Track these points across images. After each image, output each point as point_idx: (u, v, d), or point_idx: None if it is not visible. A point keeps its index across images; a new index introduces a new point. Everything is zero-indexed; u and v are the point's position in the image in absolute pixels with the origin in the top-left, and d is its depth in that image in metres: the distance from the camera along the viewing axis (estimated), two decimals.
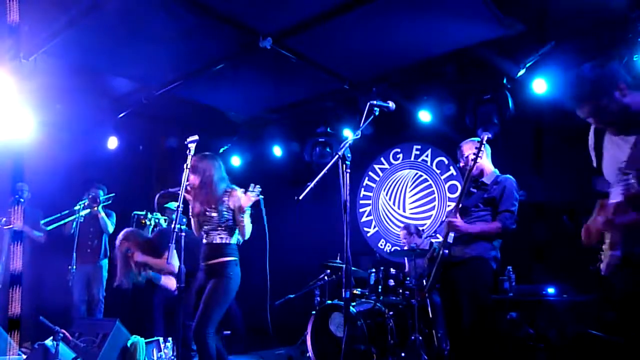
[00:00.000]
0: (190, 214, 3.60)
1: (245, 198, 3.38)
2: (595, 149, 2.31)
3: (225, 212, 3.48)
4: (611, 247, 2.11)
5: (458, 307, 3.49)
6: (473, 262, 3.47)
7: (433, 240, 3.89)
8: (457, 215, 3.43)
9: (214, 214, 3.47)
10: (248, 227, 3.50)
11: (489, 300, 3.63)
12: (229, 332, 5.57)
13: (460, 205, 3.47)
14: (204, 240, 3.54)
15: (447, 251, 3.47)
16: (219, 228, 3.49)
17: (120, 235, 4.32)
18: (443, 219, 6.22)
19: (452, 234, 3.49)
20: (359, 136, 2.76)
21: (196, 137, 3.29)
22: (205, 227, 3.52)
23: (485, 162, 3.64)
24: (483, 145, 3.45)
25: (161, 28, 4.49)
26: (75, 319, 5.06)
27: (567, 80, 2.23)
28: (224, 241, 3.49)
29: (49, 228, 5.50)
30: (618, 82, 2.08)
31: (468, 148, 3.64)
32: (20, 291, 5.32)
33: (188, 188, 3.48)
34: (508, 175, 3.58)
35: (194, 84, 5.70)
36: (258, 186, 3.43)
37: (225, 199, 3.50)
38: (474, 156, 3.42)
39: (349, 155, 2.60)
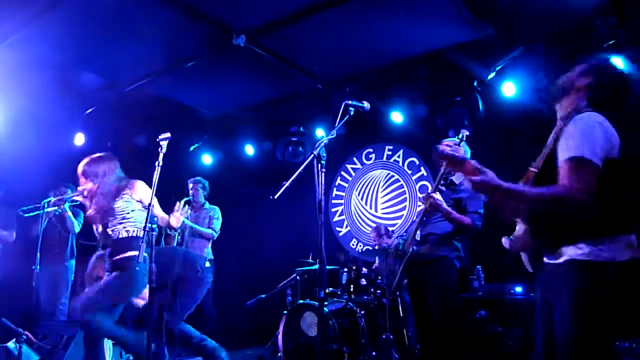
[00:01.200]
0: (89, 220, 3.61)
1: (174, 219, 3.56)
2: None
3: (129, 202, 3.50)
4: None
5: (425, 306, 3.55)
6: (439, 261, 3.55)
7: (401, 241, 3.94)
8: (437, 192, 3.49)
9: (117, 205, 3.47)
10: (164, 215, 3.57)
11: (457, 299, 3.70)
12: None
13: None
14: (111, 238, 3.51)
15: (415, 247, 3.51)
16: (124, 220, 3.47)
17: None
18: (414, 219, 6.30)
19: (418, 232, 3.54)
20: (334, 136, 2.76)
21: (168, 135, 3.23)
22: (110, 222, 3.49)
23: None
24: (462, 142, 3.50)
25: (133, 23, 4.39)
26: (40, 321, 4.91)
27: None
28: (129, 234, 3.47)
29: (27, 215, 5.29)
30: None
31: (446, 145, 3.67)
32: None
33: (85, 193, 3.56)
34: None
35: (165, 81, 5.59)
36: (186, 206, 3.55)
37: (126, 191, 3.52)
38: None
39: (324, 154, 2.60)
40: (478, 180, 1.90)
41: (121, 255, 3.42)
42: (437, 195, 3.47)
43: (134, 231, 3.48)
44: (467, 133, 3.55)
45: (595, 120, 1.94)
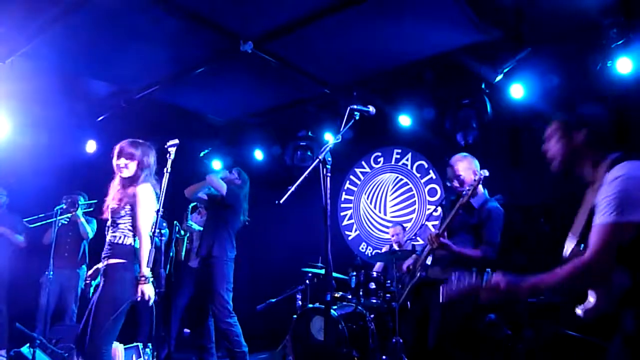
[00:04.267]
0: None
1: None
2: None
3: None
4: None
5: (425, 328, 3.49)
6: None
7: (414, 243, 3.92)
8: (445, 233, 3.39)
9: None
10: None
11: (465, 318, 3.63)
12: (189, 330, 5.54)
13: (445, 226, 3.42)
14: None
15: (424, 273, 3.45)
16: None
17: None
18: (423, 222, 6.28)
19: (430, 257, 3.46)
20: (339, 140, 2.77)
21: (176, 141, 3.26)
22: None
23: (479, 187, 3.55)
24: (481, 180, 3.37)
25: (141, 31, 4.47)
26: (53, 326, 4.97)
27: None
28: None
29: (32, 225, 5.36)
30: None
31: (463, 168, 3.56)
32: None
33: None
34: (496, 204, 3.53)
35: (174, 88, 5.67)
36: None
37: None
38: (470, 188, 3.34)
39: (330, 159, 2.62)
40: (502, 297, 1.86)
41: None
42: (444, 239, 3.36)
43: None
44: (487, 174, 3.39)
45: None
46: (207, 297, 4.50)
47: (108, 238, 3.22)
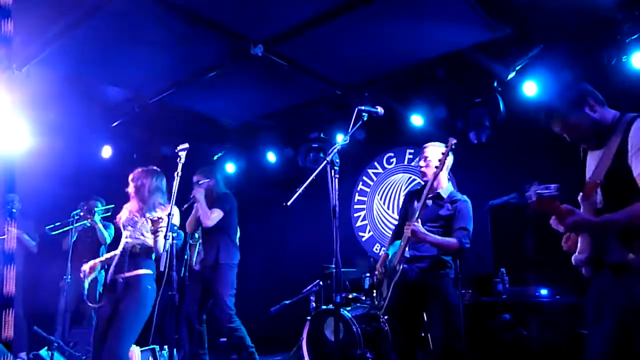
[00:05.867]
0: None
1: None
2: (583, 163, 2.35)
3: None
4: (580, 251, 2.15)
5: (417, 325, 3.48)
6: (437, 279, 3.42)
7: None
8: (419, 221, 3.33)
9: None
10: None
11: (460, 313, 3.61)
12: (224, 339, 5.55)
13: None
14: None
15: (405, 265, 3.38)
16: None
17: None
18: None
19: (407, 250, 3.40)
20: (347, 141, 2.78)
21: (186, 145, 3.30)
22: None
23: (444, 173, 3.53)
24: (450, 152, 3.36)
25: (153, 37, 4.52)
26: (70, 330, 5.05)
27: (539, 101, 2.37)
28: None
29: (53, 233, 5.46)
30: (587, 99, 2.17)
31: (433, 152, 3.51)
32: (13, 303, 5.30)
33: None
34: (465, 197, 3.54)
35: (186, 92, 5.71)
36: None
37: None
38: (439, 163, 3.33)
39: (338, 160, 2.62)
40: (571, 223, 1.98)
41: None
42: (420, 227, 3.29)
43: None
44: (455, 141, 3.37)
45: None
46: (208, 302, 4.54)
47: (129, 249, 3.37)
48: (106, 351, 3.05)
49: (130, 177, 3.53)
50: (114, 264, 3.35)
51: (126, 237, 3.41)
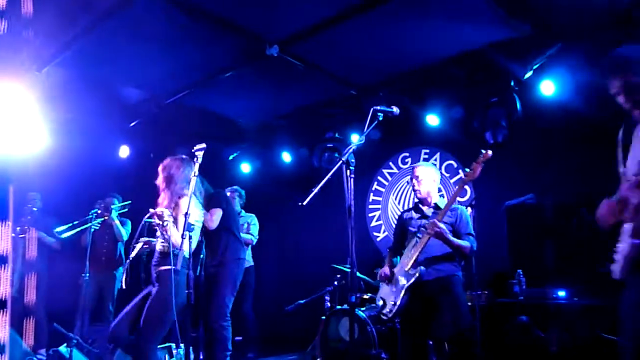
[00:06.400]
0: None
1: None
2: (624, 145, 2.29)
3: None
4: (635, 234, 2.04)
5: (426, 327, 3.54)
6: (448, 279, 3.52)
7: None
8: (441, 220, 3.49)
9: None
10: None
11: (468, 315, 3.65)
12: (240, 337, 5.59)
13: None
14: None
15: (422, 268, 3.50)
16: None
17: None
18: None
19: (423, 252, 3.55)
20: (362, 141, 2.78)
21: (204, 145, 3.32)
22: None
23: (435, 187, 3.82)
24: (482, 164, 3.49)
25: (169, 38, 4.56)
26: (89, 327, 5.13)
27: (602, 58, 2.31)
28: None
29: (63, 236, 5.55)
30: None
31: (424, 172, 3.75)
32: (35, 298, 5.42)
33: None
34: (459, 205, 3.77)
35: (202, 92, 5.76)
36: None
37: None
38: (473, 172, 3.45)
39: (353, 160, 2.63)
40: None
41: None
42: (442, 225, 3.44)
43: None
44: (491, 153, 3.45)
45: None
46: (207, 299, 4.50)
47: (157, 247, 3.44)
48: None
49: (160, 167, 3.58)
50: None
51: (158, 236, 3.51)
